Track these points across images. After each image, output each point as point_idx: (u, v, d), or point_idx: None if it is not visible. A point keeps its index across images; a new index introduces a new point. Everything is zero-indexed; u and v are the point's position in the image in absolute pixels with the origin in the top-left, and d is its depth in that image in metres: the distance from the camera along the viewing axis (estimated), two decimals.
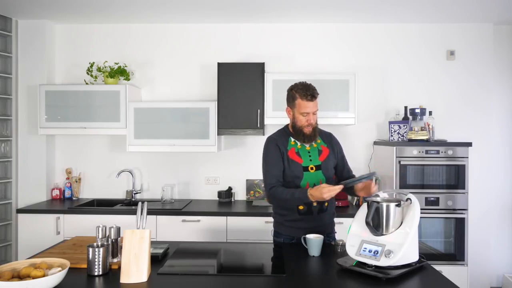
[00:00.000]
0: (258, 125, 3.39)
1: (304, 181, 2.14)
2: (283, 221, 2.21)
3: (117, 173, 3.66)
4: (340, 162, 2.28)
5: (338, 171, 2.28)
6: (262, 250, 2.12)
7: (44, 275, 1.46)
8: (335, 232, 2.32)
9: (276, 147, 2.19)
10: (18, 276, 1.50)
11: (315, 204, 2.10)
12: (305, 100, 2.11)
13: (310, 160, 2.17)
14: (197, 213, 3.19)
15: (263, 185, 3.07)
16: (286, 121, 3.27)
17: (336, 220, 3.08)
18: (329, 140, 2.29)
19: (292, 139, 2.21)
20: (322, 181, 2.15)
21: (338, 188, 1.92)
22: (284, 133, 2.25)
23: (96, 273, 1.64)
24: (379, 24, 3.72)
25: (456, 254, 3.16)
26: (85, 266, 1.71)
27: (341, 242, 2.02)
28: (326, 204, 2.17)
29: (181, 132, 3.43)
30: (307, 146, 2.20)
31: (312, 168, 2.15)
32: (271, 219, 2.34)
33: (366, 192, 2.02)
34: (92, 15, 3.55)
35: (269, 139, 2.25)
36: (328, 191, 1.91)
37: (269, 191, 2.13)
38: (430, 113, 3.39)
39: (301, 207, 2.13)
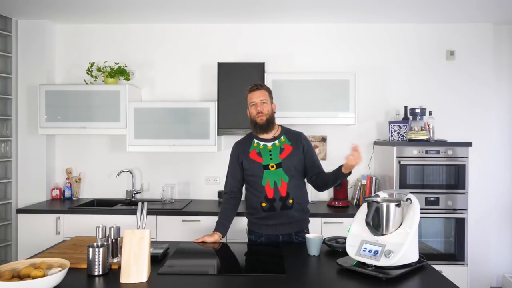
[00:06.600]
0: None
1: (264, 179, 2.22)
2: (252, 219, 2.32)
3: (117, 173, 3.65)
4: (308, 160, 2.29)
5: (307, 167, 2.30)
6: (262, 250, 2.12)
7: (44, 275, 1.46)
8: (307, 231, 2.32)
9: (235, 156, 2.35)
10: (18, 276, 1.50)
11: (277, 200, 2.20)
12: (250, 92, 2.30)
13: (271, 159, 2.24)
14: (197, 213, 3.18)
15: None
16: (286, 121, 3.31)
17: (336, 220, 3.14)
18: (295, 138, 2.32)
19: (256, 141, 2.31)
20: (283, 179, 2.21)
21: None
22: (249, 136, 2.37)
23: (96, 273, 1.64)
24: (379, 24, 3.72)
25: (456, 254, 3.15)
26: (85, 266, 1.71)
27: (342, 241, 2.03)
28: (290, 200, 2.21)
29: (181, 132, 3.43)
30: (269, 145, 2.27)
31: (272, 167, 2.22)
32: None
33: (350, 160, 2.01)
34: (92, 15, 3.55)
35: (233, 146, 2.40)
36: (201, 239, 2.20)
37: (223, 195, 2.43)
38: (430, 113, 3.39)
39: (263, 204, 2.22)
